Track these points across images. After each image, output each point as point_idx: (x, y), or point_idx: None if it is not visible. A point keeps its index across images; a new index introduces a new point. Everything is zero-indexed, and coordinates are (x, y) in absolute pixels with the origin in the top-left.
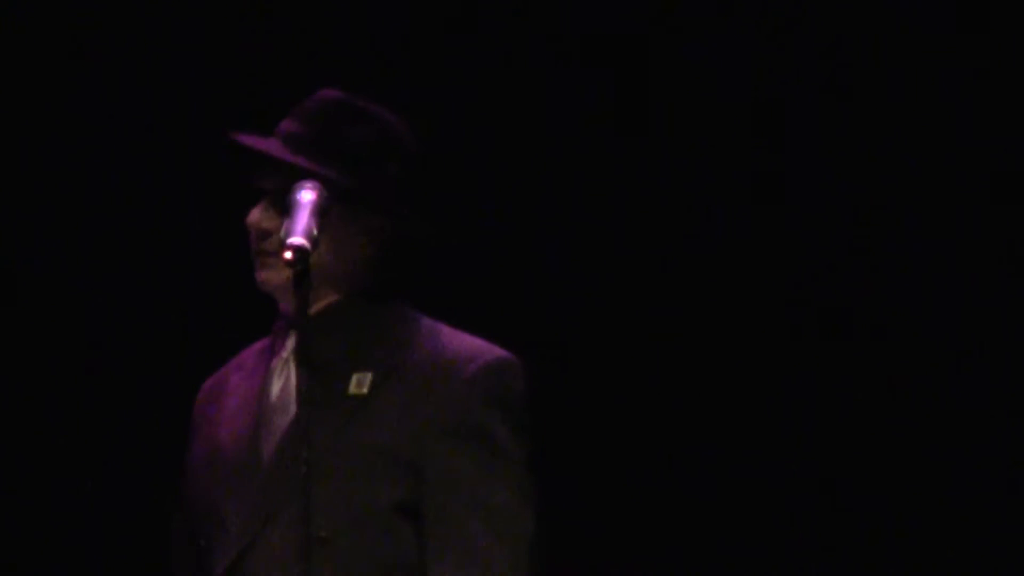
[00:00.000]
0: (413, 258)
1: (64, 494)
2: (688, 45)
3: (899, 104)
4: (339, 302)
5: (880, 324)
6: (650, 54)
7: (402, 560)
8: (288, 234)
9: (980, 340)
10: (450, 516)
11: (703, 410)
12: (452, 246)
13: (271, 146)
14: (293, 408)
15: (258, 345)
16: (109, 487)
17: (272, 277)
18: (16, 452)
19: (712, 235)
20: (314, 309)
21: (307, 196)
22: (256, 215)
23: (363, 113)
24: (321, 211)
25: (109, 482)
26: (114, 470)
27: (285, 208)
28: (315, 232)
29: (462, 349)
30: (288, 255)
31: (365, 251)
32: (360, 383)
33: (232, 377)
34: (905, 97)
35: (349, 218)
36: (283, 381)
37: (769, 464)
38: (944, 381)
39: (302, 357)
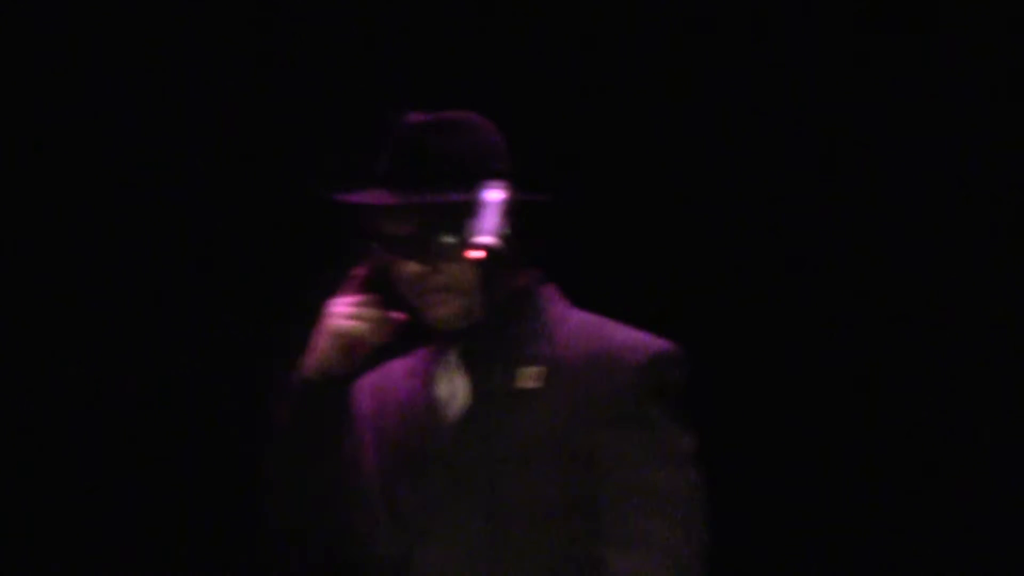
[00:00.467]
0: (555, 248)
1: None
2: None
3: None
4: (501, 302)
5: None
6: None
7: (575, 551)
8: (477, 233)
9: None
10: (622, 504)
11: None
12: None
13: (382, 197)
14: (463, 405)
15: (417, 346)
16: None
17: (444, 312)
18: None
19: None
20: (474, 313)
21: (495, 196)
22: (408, 266)
23: (451, 127)
24: (509, 210)
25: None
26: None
27: (426, 247)
28: (506, 231)
29: (626, 340)
30: (478, 254)
31: (520, 250)
32: (529, 377)
33: (395, 375)
34: None
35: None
36: (452, 379)
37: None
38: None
39: (469, 355)
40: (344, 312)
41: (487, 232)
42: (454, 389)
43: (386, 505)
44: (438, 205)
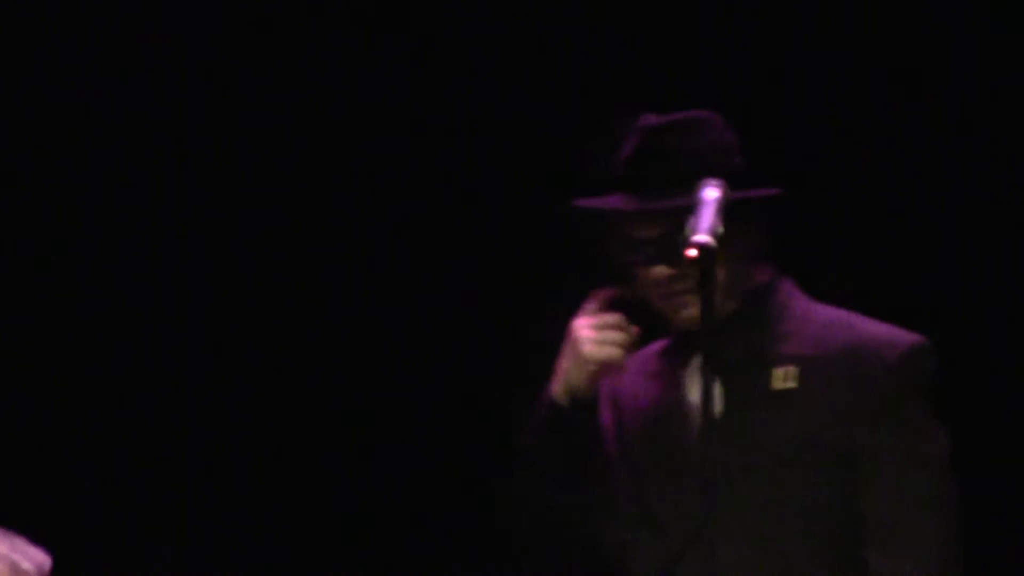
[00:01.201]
0: (790, 243)
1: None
2: None
3: None
4: (746, 300)
5: None
6: None
7: (840, 551)
8: (693, 232)
9: None
10: (883, 505)
11: None
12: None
13: (626, 202)
14: (718, 409)
15: (656, 347)
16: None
17: (692, 313)
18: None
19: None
20: (725, 310)
21: (712, 194)
22: (656, 269)
23: (688, 126)
24: (725, 208)
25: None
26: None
27: (673, 249)
28: (720, 229)
29: (878, 335)
30: (693, 252)
31: (755, 249)
32: (785, 377)
33: (634, 379)
34: None
35: (734, 228)
36: (703, 383)
37: None
38: None
39: (719, 357)
40: (591, 337)
41: (702, 231)
42: (709, 396)
43: (642, 515)
44: (683, 208)
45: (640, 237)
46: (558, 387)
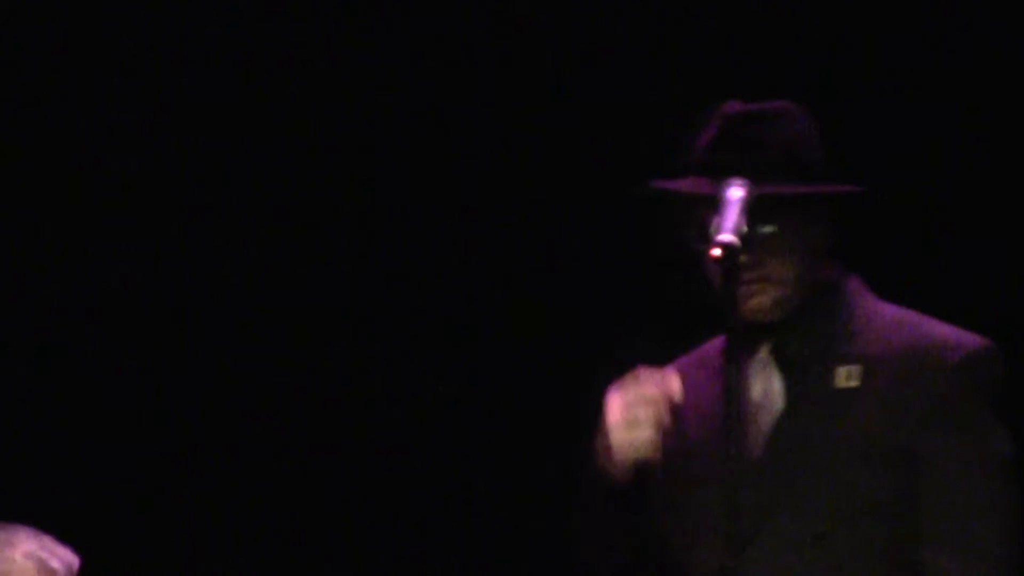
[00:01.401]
0: (861, 241)
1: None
2: None
3: None
4: (810, 298)
5: None
6: None
7: (899, 553)
8: (718, 231)
9: None
10: (944, 507)
11: None
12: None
13: (703, 185)
14: (778, 406)
15: (715, 345)
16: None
17: (759, 303)
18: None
19: None
20: (790, 305)
21: (736, 193)
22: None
23: (771, 116)
24: (750, 208)
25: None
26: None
27: (755, 237)
28: (744, 229)
29: (943, 337)
30: (717, 252)
31: (825, 244)
32: (848, 376)
33: (692, 374)
34: None
35: (806, 220)
36: (764, 380)
37: None
38: None
39: (783, 353)
40: (620, 423)
41: (727, 230)
42: (768, 390)
43: (700, 515)
44: (758, 196)
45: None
46: (599, 460)
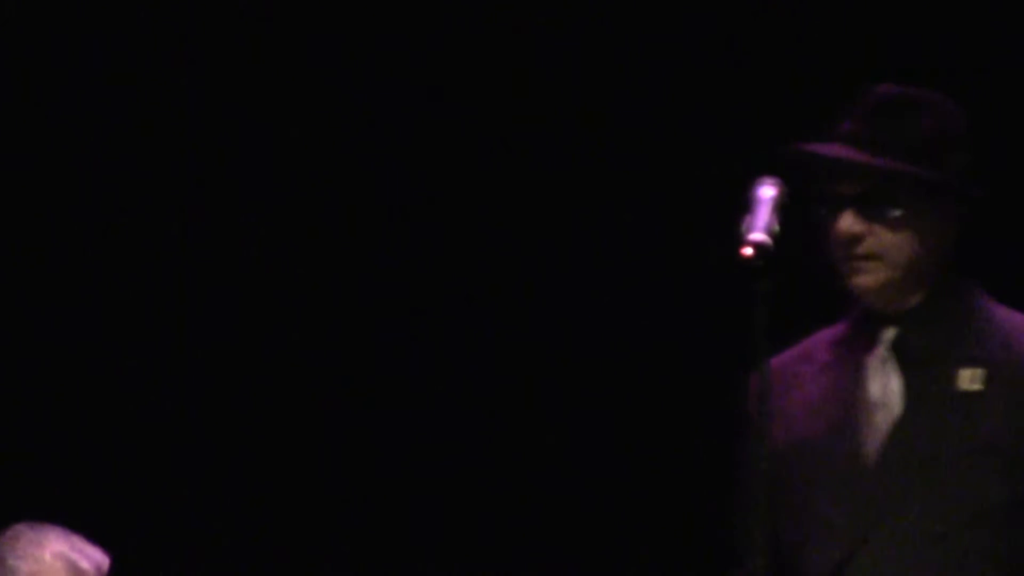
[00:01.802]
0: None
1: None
2: None
3: None
4: (931, 296)
5: None
6: None
7: (1013, 559)
8: (749, 230)
9: None
10: None
11: None
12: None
13: (845, 152)
14: (897, 406)
15: (825, 336)
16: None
17: (868, 281)
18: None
19: None
20: (908, 305)
21: (768, 192)
22: (846, 223)
23: (923, 104)
24: (782, 207)
25: None
26: None
27: (871, 212)
28: (776, 228)
29: None
30: (748, 251)
31: (947, 241)
32: (972, 379)
33: (801, 368)
34: None
35: (933, 211)
36: (883, 377)
37: None
38: None
39: (904, 350)
40: None
41: (758, 229)
42: (887, 388)
43: (813, 513)
44: (897, 172)
45: (842, 193)
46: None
